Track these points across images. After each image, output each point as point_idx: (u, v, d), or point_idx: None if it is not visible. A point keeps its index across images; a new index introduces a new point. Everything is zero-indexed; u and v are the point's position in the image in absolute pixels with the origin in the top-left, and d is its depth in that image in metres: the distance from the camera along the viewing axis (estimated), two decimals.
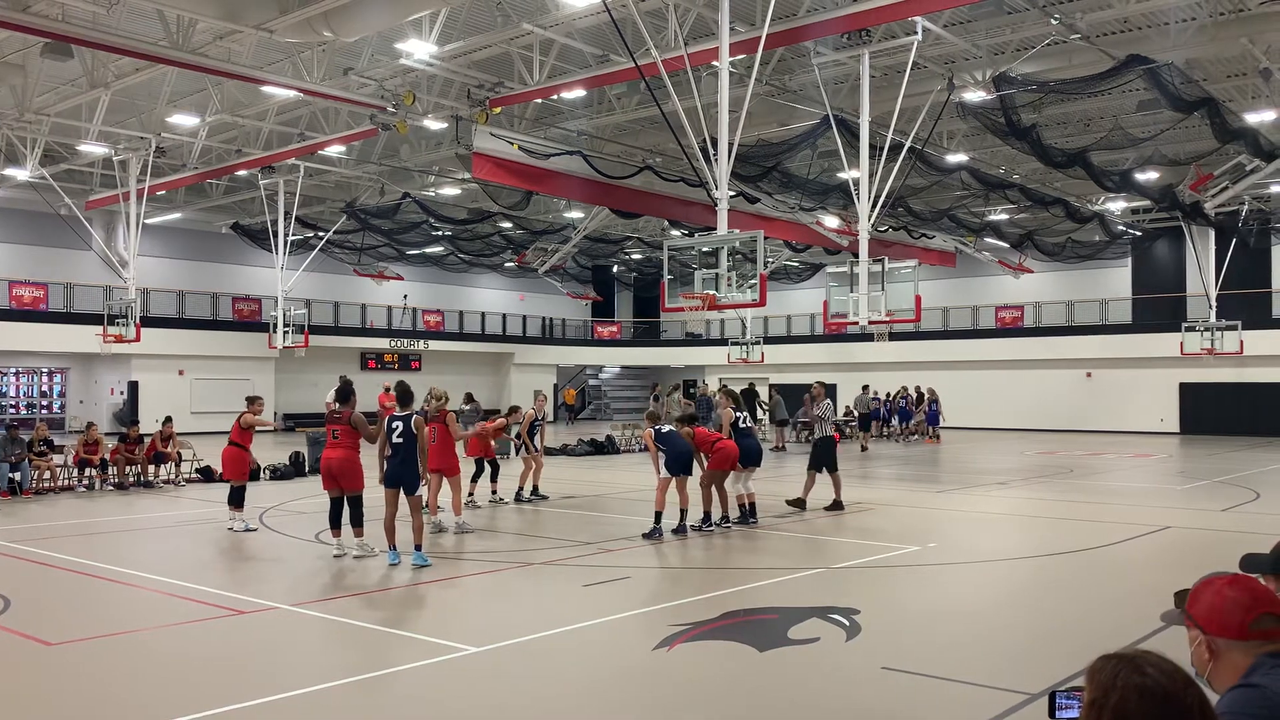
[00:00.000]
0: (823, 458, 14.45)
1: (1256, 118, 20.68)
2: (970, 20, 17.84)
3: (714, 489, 12.56)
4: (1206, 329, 31.84)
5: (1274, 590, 2.72)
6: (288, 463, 19.72)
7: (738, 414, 13.10)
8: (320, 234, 31.82)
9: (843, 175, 21.78)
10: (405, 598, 9.08)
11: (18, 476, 16.57)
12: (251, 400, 13.79)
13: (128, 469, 18.09)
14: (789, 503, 14.57)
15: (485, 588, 9.43)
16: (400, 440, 10.34)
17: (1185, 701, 1.93)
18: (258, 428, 13.67)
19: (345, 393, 10.93)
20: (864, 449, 28.01)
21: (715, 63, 15.16)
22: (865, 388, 32.31)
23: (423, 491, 10.70)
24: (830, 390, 39.37)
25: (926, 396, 32.90)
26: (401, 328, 42.16)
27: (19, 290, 32.29)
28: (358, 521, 10.55)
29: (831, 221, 27.35)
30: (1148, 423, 35.66)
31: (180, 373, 34.94)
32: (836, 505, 14.37)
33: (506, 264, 38.30)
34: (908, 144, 19.20)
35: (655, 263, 38.09)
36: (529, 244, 34.22)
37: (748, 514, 12.92)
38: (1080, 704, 2.05)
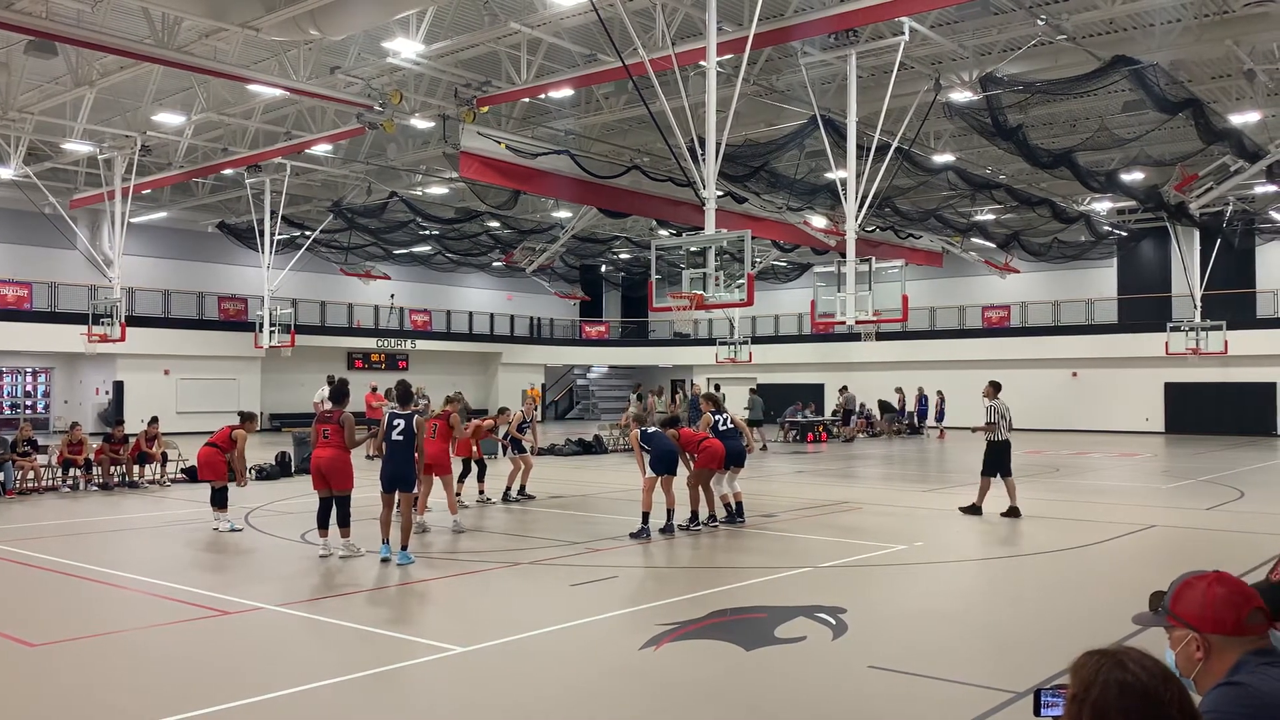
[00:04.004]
0: (996, 461, 13.80)
1: (1241, 119, 20.82)
2: (957, 21, 17.89)
3: (700, 488, 12.59)
4: (1191, 329, 32.06)
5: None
6: (274, 462, 19.64)
7: (717, 416, 13.07)
8: (307, 233, 31.70)
9: (830, 175, 21.83)
10: (392, 598, 9.06)
11: (1, 477, 16.45)
12: (248, 417, 13.65)
13: (112, 469, 17.99)
14: (1003, 514, 13.57)
15: (472, 588, 9.42)
16: (401, 438, 10.32)
17: (1165, 697, 1.94)
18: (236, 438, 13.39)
19: (339, 393, 10.88)
20: (849, 440, 28.86)
21: (703, 62, 15.16)
22: (844, 388, 34.31)
23: (417, 490, 10.69)
24: (817, 390, 39.98)
25: (933, 398, 35.03)
26: (388, 327, 42.05)
27: (3, 289, 32.04)
28: (345, 521, 10.52)
29: (819, 221, 27.40)
30: (1133, 422, 35.85)
31: (166, 372, 34.76)
32: (974, 510, 13.78)
33: (494, 263, 38.25)
34: (894, 144, 19.25)
35: (643, 262, 38.09)
36: (517, 243, 34.18)
37: (734, 514, 12.93)
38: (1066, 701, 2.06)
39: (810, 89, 18.52)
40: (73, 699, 6.03)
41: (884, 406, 35.50)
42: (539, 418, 29.70)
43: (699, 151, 15.23)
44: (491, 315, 46.64)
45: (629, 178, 22.62)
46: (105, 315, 27.75)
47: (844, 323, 18.91)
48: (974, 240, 34.20)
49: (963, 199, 27.47)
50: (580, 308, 48.89)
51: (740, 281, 14.63)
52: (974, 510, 13.83)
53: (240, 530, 12.59)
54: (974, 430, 14.04)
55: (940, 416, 34.56)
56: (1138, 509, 14.80)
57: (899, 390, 35.42)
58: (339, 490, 10.53)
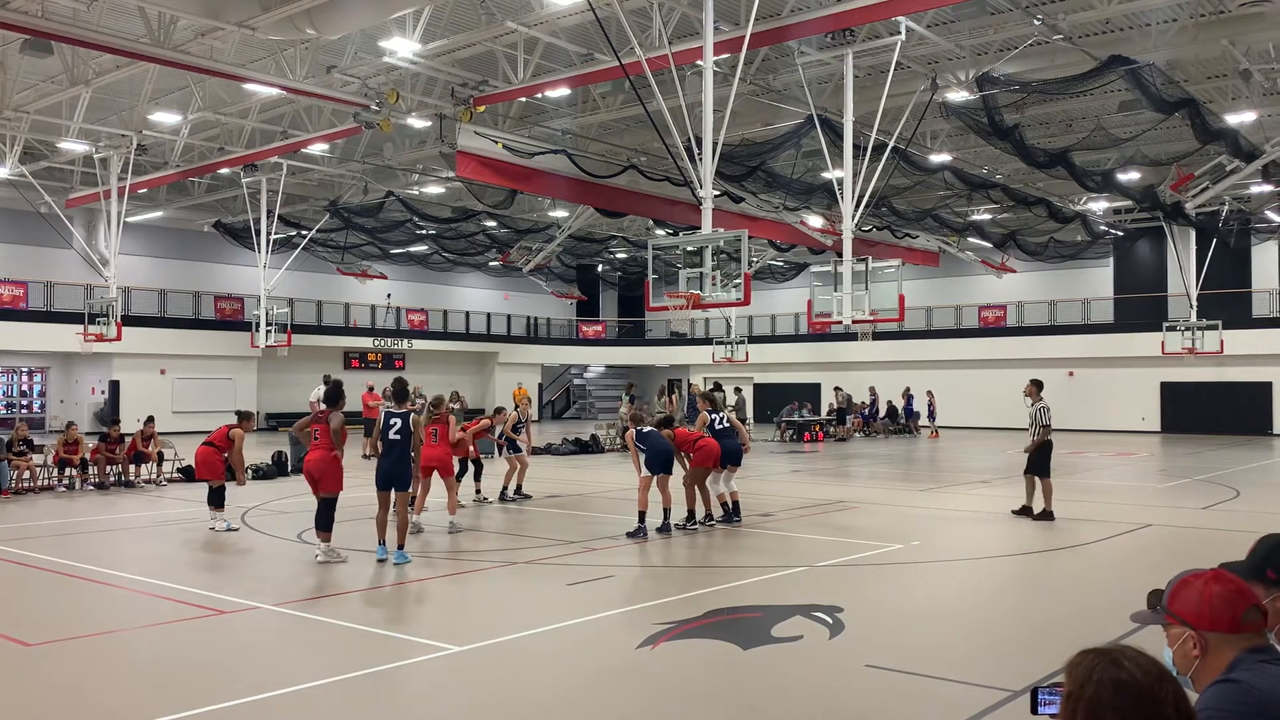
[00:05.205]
0: (1045, 461, 13.52)
1: (1237, 119, 20.84)
2: (953, 20, 17.90)
3: (696, 488, 12.59)
4: (1187, 328, 32.11)
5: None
6: (270, 462, 19.62)
7: (713, 415, 13.06)
8: (303, 232, 31.67)
9: (827, 175, 21.83)
10: (388, 597, 9.04)
11: None
12: (245, 416, 13.61)
13: (108, 469, 17.95)
14: (1014, 512, 13.59)
15: (469, 587, 9.41)
16: (398, 437, 10.25)
17: (1160, 695, 1.93)
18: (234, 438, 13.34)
19: (331, 395, 10.80)
20: (843, 439, 29.14)
21: (699, 62, 15.17)
22: (837, 388, 34.71)
23: (414, 489, 10.60)
24: (813, 390, 40.03)
25: (924, 398, 35.60)
26: (385, 327, 42.01)
27: None
28: (326, 525, 10.26)
29: (815, 221, 27.42)
30: (1129, 421, 35.89)
31: (162, 372, 34.72)
32: (1044, 514, 13.41)
33: (491, 263, 38.24)
34: (891, 144, 19.27)
35: (640, 262, 38.13)
36: (513, 243, 34.17)
37: (731, 513, 12.94)
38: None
39: (807, 88, 18.52)
40: (69, 699, 6.02)
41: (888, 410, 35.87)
42: (534, 416, 29.79)
43: (696, 151, 15.23)
44: (488, 315, 46.62)
45: (626, 177, 22.63)
46: (101, 315, 27.72)
47: (840, 322, 18.90)
48: (970, 240, 34.25)
49: (959, 198, 27.50)
50: (577, 307, 48.88)
51: (737, 281, 14.64)
52: (1046, 515, 13.33)
53: (236, 530, 12.57)
54: (1039, 431, 13.76)
55: (932, 416, 34.85)
56: (1134, 508, 14.82)
57: (871, 389, 35.81)
58: (324, 492, 10.33)
